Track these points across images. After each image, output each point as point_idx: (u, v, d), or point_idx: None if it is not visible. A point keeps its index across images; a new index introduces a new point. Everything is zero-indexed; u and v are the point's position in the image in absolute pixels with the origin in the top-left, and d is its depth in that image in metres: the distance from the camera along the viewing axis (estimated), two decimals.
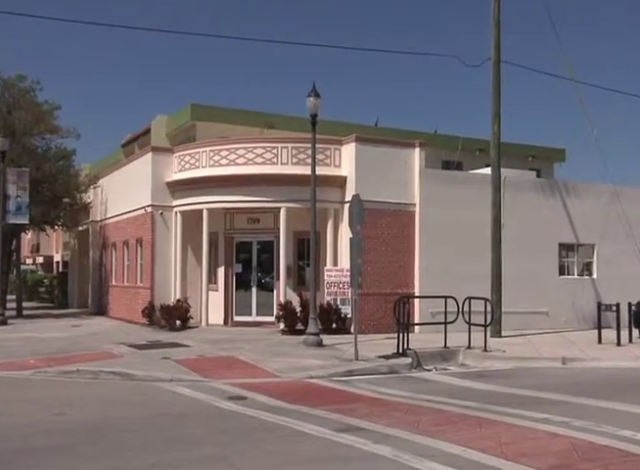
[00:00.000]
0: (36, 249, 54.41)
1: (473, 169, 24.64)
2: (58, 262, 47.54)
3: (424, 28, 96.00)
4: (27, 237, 49.76)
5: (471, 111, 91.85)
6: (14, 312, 26.84)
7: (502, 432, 8.21)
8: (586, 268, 23.62)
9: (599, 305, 18.18)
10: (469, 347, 15.79)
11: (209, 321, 21.35)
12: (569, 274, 23.24)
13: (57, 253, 48.05)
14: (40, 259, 55.03)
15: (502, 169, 19.86)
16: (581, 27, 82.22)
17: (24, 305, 28.35)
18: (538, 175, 25.86)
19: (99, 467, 6.83)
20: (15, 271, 31.15)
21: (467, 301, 15.98)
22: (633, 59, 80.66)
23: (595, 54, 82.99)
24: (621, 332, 17.21)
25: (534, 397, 10.76)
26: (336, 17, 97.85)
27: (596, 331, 17.78)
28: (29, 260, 57.23)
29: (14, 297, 29.53)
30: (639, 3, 72.64)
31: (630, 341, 17.46)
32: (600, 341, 17.45)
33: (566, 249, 23.20)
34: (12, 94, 26.69)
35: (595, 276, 23.40)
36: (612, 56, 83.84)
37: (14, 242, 28.79)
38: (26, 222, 25.40)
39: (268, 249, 22.20)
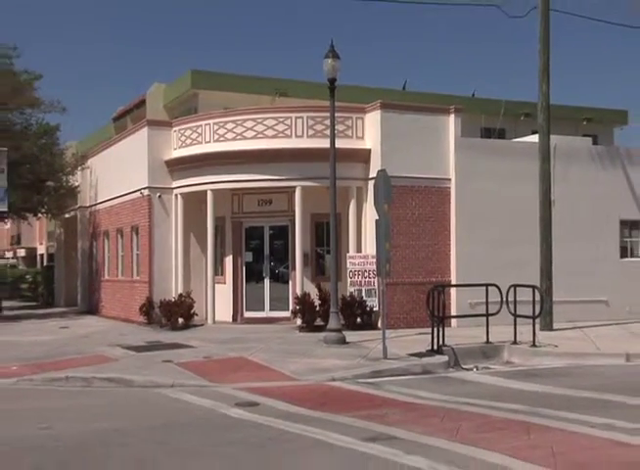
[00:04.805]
0: (17, 240, 54.99)
1: (517, 137, 24.50)
2: (42, 255, 48.07)
3: None
4: (7, 227, 50.31)
5: (514, 70, 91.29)
6: None
7: (555, 440, 8.18)
8: None
9: None
10: (515, 342, 15.76)
11: (216, 318, 21.49)
12: (632, 256, 23.05)
13: (41, 244, 48.54)
14: (22, 252, 55.64)
15: (552, 136, 19.69)
16: None
17: (4, 304, 28.69)
18: (595, 142, 25.61)
19: None
20: None
21: (512, 289, 15.92)
22: None
23: None
24: None
25: (593, 399, 10.70)
26: None
27: None
28: (9, 254, 57.86)
29: None
30: None
31: None
32: None
33: (629, 226, 23.00)
34: None
35: None
36: None
37: None
38: (5, 210, 25.56)
39: (282, 234, 22.25)
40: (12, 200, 25.51)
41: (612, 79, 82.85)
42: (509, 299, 15.88)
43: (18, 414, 10.46)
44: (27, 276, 42.00)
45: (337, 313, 16.88)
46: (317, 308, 19.53)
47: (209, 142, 21.53)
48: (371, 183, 17.99)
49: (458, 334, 16.51)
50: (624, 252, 22.91)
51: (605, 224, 22.21)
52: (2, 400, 11.69)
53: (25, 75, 27.17)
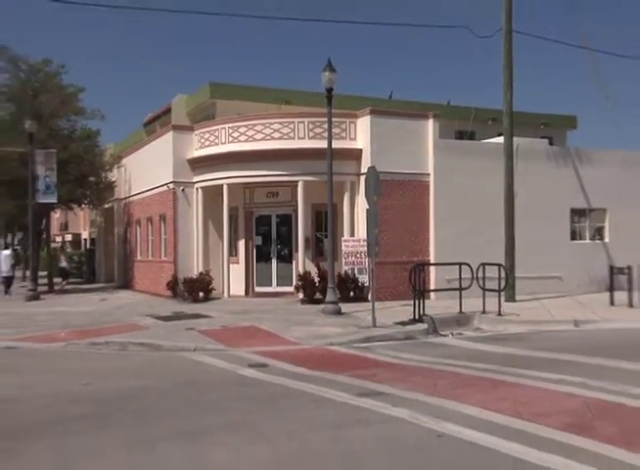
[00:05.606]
0: (65, 227, 54.88)
1: (486, 139, 24.37)
2: (85, 239, 47.91)
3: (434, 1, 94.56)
4: (57, 216, 50.17)
5: (483, 81, 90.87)
6: (45, 288, 27.15)
7: (518, 393, 8.17)
8: (598, 233, 23.36)
9: (611, 268, 18.00)
10: (484, 312, 15.71)
11: (231, 292, 21.42)
12: (581, 239, 22.97)
13: (84, 230, 48.41)
14: (69, 237, 55.54)
15: (515, 138, 19.54)
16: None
17: (55, 280, 28.65)
18: (551, 143, 25.47)
19: (131, 435, 6.85)
20: (45, 249, 31.44)
21: (481, 267, 15.86)
22: None
23: (609, 19, 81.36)
24: (633, 294, 17.03)
25: (549, 358, 10.69)
26: None
27: (608, 294, 17.64)
28: (59, 238, 57.73)
29: (45, 273, 29.87)
30: None
31: None
32: (612, 303, 17.29)
33: (578, 214, 22.90)
34: (38, 78, 26.66)
35: (607, 240, 23.13)
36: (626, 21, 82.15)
37: (44, 221, 29.04)
38: (55, 201, 25.49)
39: (287, 222, 22.16)
40: (60, 193, 25.39)
41: (564, 89, 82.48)
42: (479, 275, 15.82)
43: (65, 372, 10.44)
44: (74, 257, 41.96)
45: (333, 288, 16.82)
46: (317, 284, 19.46)
47: (225, 143, 21.38)
48: (362, 178, 17.88)
49: (436, 305, 16.47)
50: (574, 235, 22.83)
51: (558, 212, 22.12)
52: (52, 361, 11.67)
53: (72, 88, 27.04)
